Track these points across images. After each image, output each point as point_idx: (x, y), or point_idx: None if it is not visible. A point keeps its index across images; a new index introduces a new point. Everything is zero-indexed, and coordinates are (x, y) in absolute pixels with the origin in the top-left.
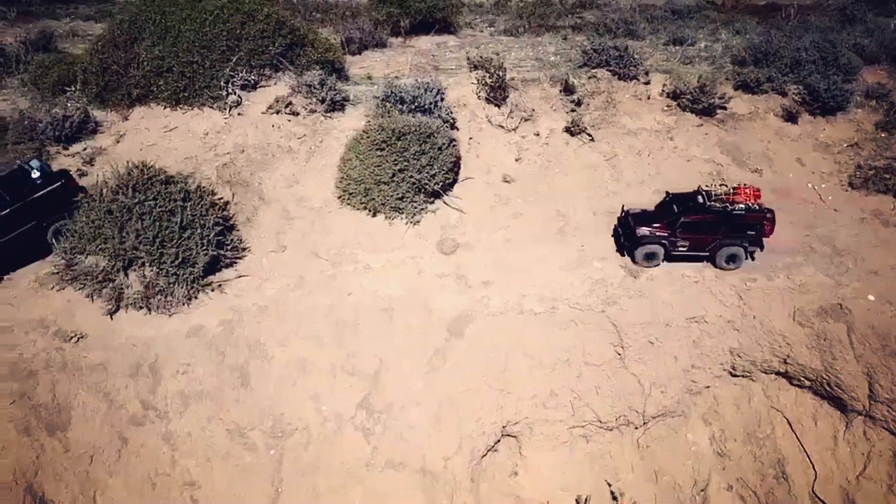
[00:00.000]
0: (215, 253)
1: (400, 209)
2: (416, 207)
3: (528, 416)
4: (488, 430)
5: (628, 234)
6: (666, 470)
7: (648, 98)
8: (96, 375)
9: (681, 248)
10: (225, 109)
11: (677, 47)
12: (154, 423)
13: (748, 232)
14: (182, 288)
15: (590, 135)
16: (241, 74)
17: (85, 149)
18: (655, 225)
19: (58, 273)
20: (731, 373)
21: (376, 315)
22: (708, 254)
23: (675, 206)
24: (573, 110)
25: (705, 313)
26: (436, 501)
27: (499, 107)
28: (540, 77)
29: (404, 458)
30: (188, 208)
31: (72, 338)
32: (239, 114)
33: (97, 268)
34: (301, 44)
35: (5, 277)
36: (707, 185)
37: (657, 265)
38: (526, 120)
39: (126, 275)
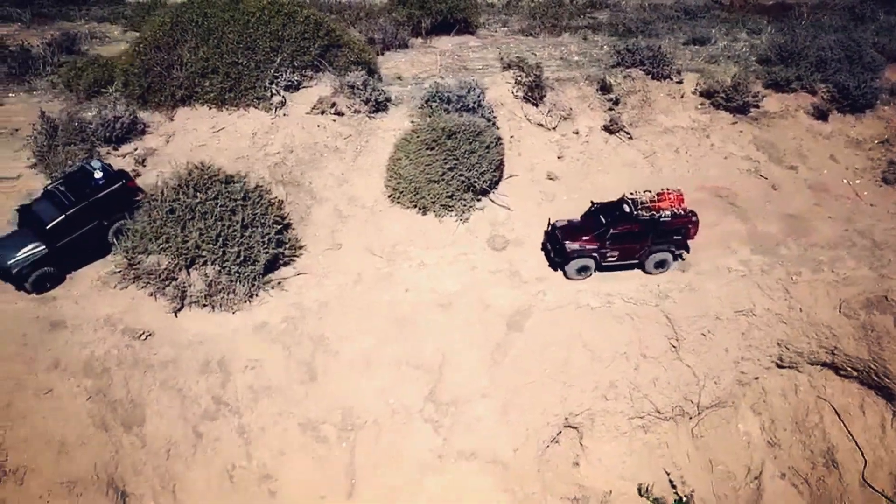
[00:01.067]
0: (276, 251)
1: (450, 207)
2: (465, 205)
3: (589, 407)
4: (552, 422)
5: (558, 250)
6: (720, 459)
7: (682, 97)
8: (167, 372)
9: (611, 259)
10: (271, 110)
11: (698, 46)
12: (227, 417)
13: (675, 237)
14: (244, 286)
15: (628, 133)
16: (284, 75)
17: (135, 149)
18: (584, 238)
19: (120, 272)
20: (778, 364)
21: (434, 310)
22: (637, 261)
23: (601, 217)
24: (611, 109)
25: (753, 306)
26: (508, 491)
27: (536, 105)
28: (575, 76)
29: (475, 449)
30: (248, 207)
31: (140, 335)
32: (284, 114)
33: (159, 266)
34: (337, 45)
35: (68, 276)
36: (632, 193)
37: (589, 276)
38: (564, 118)
39: (188, 273)
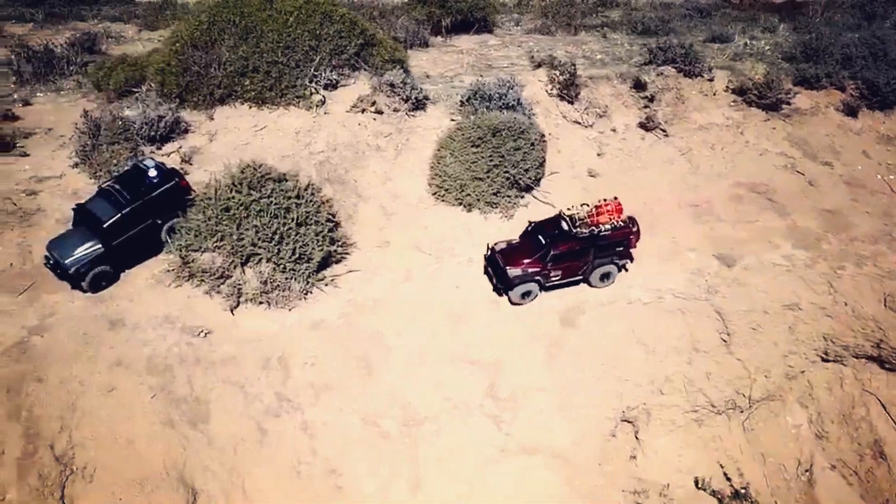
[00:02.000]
0: (329, 249)
1: (494, 204)
2: (509, 202)
3: (645, 401)
4: (610, 416)
5: (500, 276)
6: (771, 452)
7: (714, 94)
8: (229, 369)
9: (554, 279)
10: (311, 108)
11: (719, 44)
12: (289, 413)
13: (617, 249)
14: (299, 283)
15: (664, 130)
16: (324, 74)
17: (179, 148)
18: (525, 261)
19: (174, 270)
20: (823, 358)
21: (486, 306)
22: (582, 277)
23: (540, 237)
24: (646, 106)
25: (799, 300)
26: (571, 484)
27: (572, 103)
28: (608, 74)
29: (537, 444)
30: (302, 205)
31: (200, 333)
32: (325, 113)
33: (214, 264)
34: (371, 43)
35: (122, 275)
36: (568, 208)
37: (534, 299)
38: (601, 116)
39: (243, 271)
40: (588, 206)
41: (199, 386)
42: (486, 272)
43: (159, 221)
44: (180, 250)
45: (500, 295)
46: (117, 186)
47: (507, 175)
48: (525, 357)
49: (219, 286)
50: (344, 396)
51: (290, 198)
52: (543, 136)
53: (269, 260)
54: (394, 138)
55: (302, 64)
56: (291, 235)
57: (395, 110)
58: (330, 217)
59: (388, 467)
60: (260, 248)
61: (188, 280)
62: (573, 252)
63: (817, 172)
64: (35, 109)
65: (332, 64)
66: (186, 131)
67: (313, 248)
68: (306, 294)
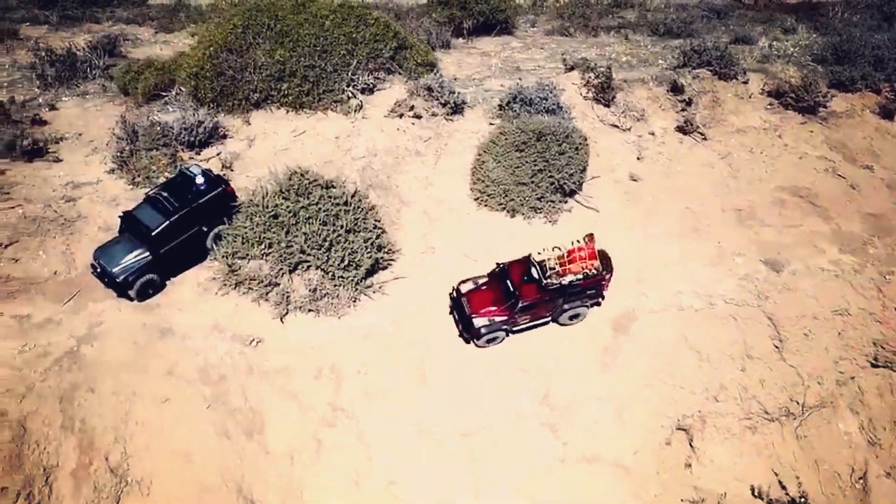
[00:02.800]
0: (377, 255)
1: (538, 209)
2: (553, 207)
3: (700, 409)
4: (665, 424)
5: (465, 323)
6: (825, 458)
7: (750, 97)
8: (282, 379)
9: (522, 324)
10: (349, 113)
11: (743, 46)
12: (345, 423)
13: (587, 293)
14: (347, 290)
15: (702, 133)
16: (361, 78)
17: (218, 153)
18: (493, 309)
19: (221, 278)
20: (872, 363)
21: None
22: (550, 319)
23: (508, 283)
24: (683, 110)
25: (848, 306)
26: (634, 494)
27: (608, 106)
28: (644, 77)
29: (596, 453)
30: (350, 212)
31: (251, 342)
32: (363, 117)
33: (261, 272)
34: (404, 46)
35: (168, 283)
36: (539, 253)
37: (499, 343)
38: (638, 119)
39: (290, 279)
40: (560, 250)
41: (253, 396)
42: (451, 313)
43: (205, 228)
44: (227, 258)
45: (466, 342)
46: (164, 193)
47: (551, 180)
48: (578, 365)
49: (267, 294)
50: (399, 405)
51: (338, 204)
52: (586, 140)
53: (317, 267)
54: (433, 143)
55: (339, 68)
56: (341, 242)
57: (434, 114)
58: (376, 223)
59: (446, 477)
60: (309, 255)
61: (235, 288)
62: (542, 301)
63: (858, 176)
64: (62, 114)
65: (368, 68)
66: (224, 136)
67: (362, 255)
68: (355, 301)
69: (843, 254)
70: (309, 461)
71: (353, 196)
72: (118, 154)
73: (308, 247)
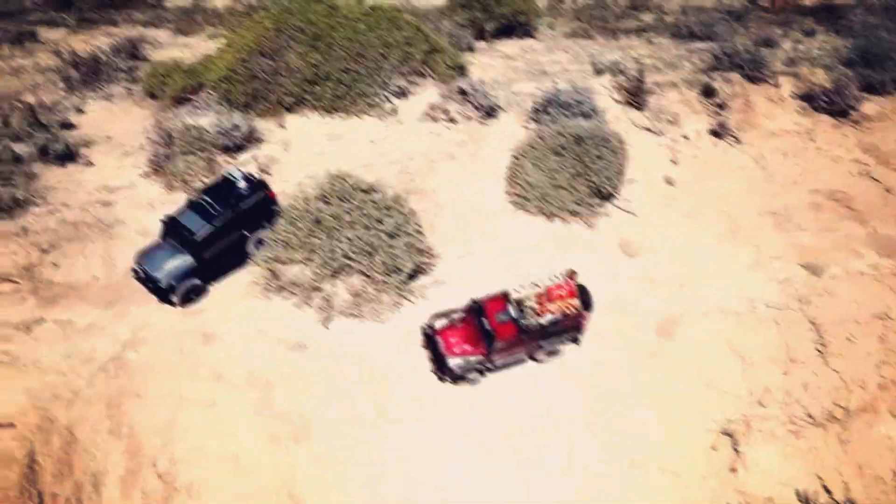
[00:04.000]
0: (419, 260)
1: (577, 213)
2: (591, 211)
3: (745, 413)
4: (711, 428)
5: (439, 362)
6: (868, 463)
7: (781, 100)
8: (327, 383)
9: (498, 364)
10: (384, 117)
11: (766, 49)
12: (392, 428)
13: (566, 333)
14: (389, 295)
15: (735, 137)
16: (394, 81)
17: (255, 157)
18: (467, 348)
19: (264, 283)
20: None
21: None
22: (527, 357)
23: (484, 321)
24: (717, 113)
25: (888, 310)
26: (682, 498)
27: (640, 110)
28: (675, 80)
29: (644, 458)
30: (392, 216)
31: (296, 347)
32: (398, 121)
33: (303, 277)
34: (435, 50)
35: (210, 288)
36: (517, 290)
37: (473, 383)
38: (671, 123)
39: (333, 284)
40: (539, 286)
41: (300, 401)
42: (423, 345)
43: (247, 233)
44: (269, 262)
45: (439, 380)
46: (208, 198)
47: (589, 184)
48: (624, 369)
49: (309, 299)
50: (448, 410)
51: (380, 209)
52: (623, 144)
53: (360, 272)
54: (468, 146)
55: (372, 71)
56: (383, 247)
57: (468, 118)
58: (417, 228)
59: (494, 483)
60: (352, 260)
61: (278, 293)
62: (520, 341)
63: (893, 179)
64: (89, 117)
65: (402, 71)
66: (260, 140)
67: (404, 260)
68: (397, 306)
69: (882, 258)
70: (358, 467)
71: (394, 200)
72: (153, 158)
73: (351, 252)
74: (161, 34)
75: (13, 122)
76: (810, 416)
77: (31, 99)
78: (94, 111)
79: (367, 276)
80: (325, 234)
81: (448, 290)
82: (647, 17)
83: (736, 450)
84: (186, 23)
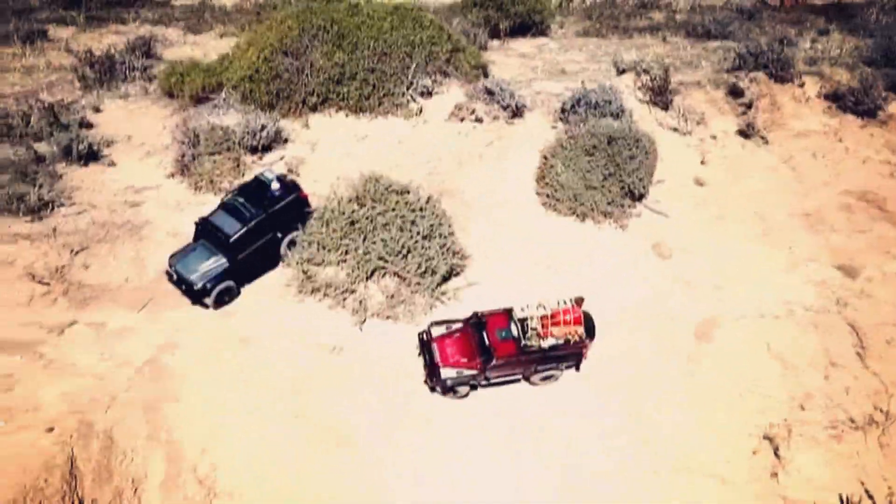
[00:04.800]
0: (452, 261)
1: (608, 214)
2: (623, 212)
3: (786, 417)
4: (752, 432)
5: (432, 370)
6: None
7: (807, 100)
8: (366, 386)
9: (492, 380)
10: (410, 117)
11: (784, 48)
12: (432, 432)
13: (566, 358)
14: (423, 297)
15: (763, 137)
16: (420, 81)
17: (281, 158)
18: (462, 361)
19: (297, 285)
20: None
21: (612, 320)
22: (522, 377)
23: (484, 335)
24: (744, 113)
25: None
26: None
27: (666, 110)
28: (700, 80)
29: (688, 463)
30: (426, 217)
31: (333, 349)
32: (424, 121)
33: (337, 279)
34: (457, 49)
35: (242, 290)
36: (522, 309)
37: (462, 397)
38: (698, 123)
39: (366, 285)
40: (545, 308)
41: (340, 404)
42: (419, 353)
43: (280, 235)
44: (302, 264)
45: (430, 390)
46: (241, 199)
47: (621, 184)
48: (663, 373)
49: (343, 301)
50: (480, 411)
51: (414, 210)
52: (654, 144)
53: (394, 274)
54: (495, 146)
55: (398, 71)
56: (418, 249)
57: (495, 118)
58: (450, 229)
59: (532, 488)
60: (387, 261)
61: (311, 294)
62: (518, 361)
63: None
64: (107, 116)
65: (427, 70)
66: (286, 140)
67: (438, 262)
68: (431, 308)
69: None
70: (399, 471)
71: (427, 202)
72: (179, 158)
73: (386, 253)
74: (170, 32)
75: (33, 121)
76: (852, 420)
77: (47, 98)
78: (112, 110)
79: (402, 278)
80: (359, 236)
81: (481, 291)
82: (658, 16)
83: (777, 455)
84: (195, 21)
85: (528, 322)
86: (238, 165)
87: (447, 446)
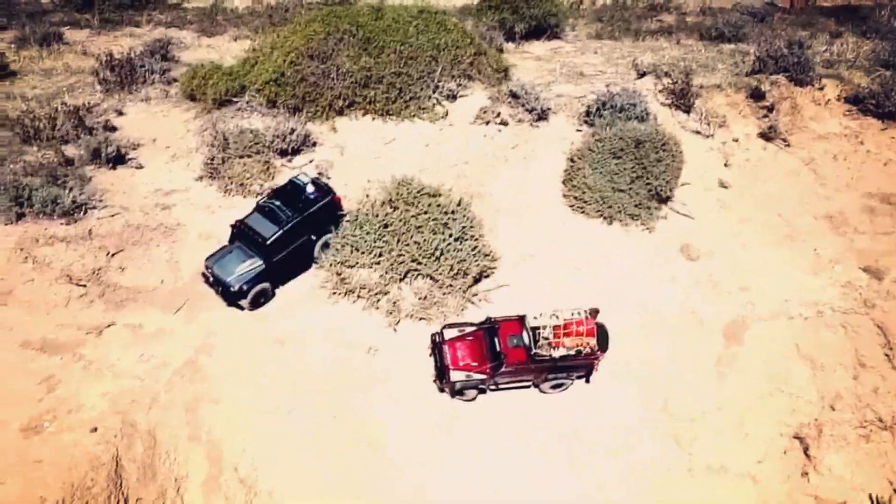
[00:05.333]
0: (483, 263)
1: (636, 216)
2: (650, 214)
3: (816, 417)
4: (783, 432)
5: (442, 371)
6: None
7: (828, 102)
8: (401, 387)
9: (501, 385)
10: (436, 120)
11: (800, 51)
12: (465, 433)
13: (576, 369)
14: (455, 298)
15: (785, 140)
16: (445, 85)
17: (311, 161)
18: (473, 365)
19: (331, 286)
20: None
21: (646, 324)
22: (531, 385)
23: (496, 341)
24: (765, 116)
25: None
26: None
27: (688, 113)
28: (720, 83)
29: (721, 463)
30: (458, 220)
31: (368, 350)
32: (450, 125)
33: (371, 281)
34: (480, 52)
35: (276, 292)
36: (535, 317)
37: (470, 400)
38: (720, 126)
39: (400, 287)
40: (557, 318)
41: (376, 405)
42: (430, 354)
43: (314, 237)
44: (336, 266)
45: (439, 391)
46: (276, 202)
47: (648, 187)
48: (694, 375)
49: (377, 302)
50: (513, 411)
51: (446, 213)
52: (680, 146)
53: (427, 276)
54: (521, 149)
55: (424, 75)
56: (450, 251)
57: (520, 121)
58: (480, 232)
59: (565, 490)
60: (420, 263)
61: (345, 296)
62: (527, 369)
63: None
64: (129, 119)
65: (452, 74)
66: (315, 144)
67: (470, 264)
68: (462, 310)
69: None
70: (433, 471)
71: (458, 204)
72: (208, 161)
73: (419, 255)
74: (184, 35)
75: (59, 124)
76: (880, 420)
77: (67, 101)
78: (134, 113)
79: (434, 280)
80: (393, 238)
81: (511, 293)
82: (668, 18)
83: (808, 454)
84: (208, 24)
85: (541, 331)
86: (268, 168)
87: (481, 448)
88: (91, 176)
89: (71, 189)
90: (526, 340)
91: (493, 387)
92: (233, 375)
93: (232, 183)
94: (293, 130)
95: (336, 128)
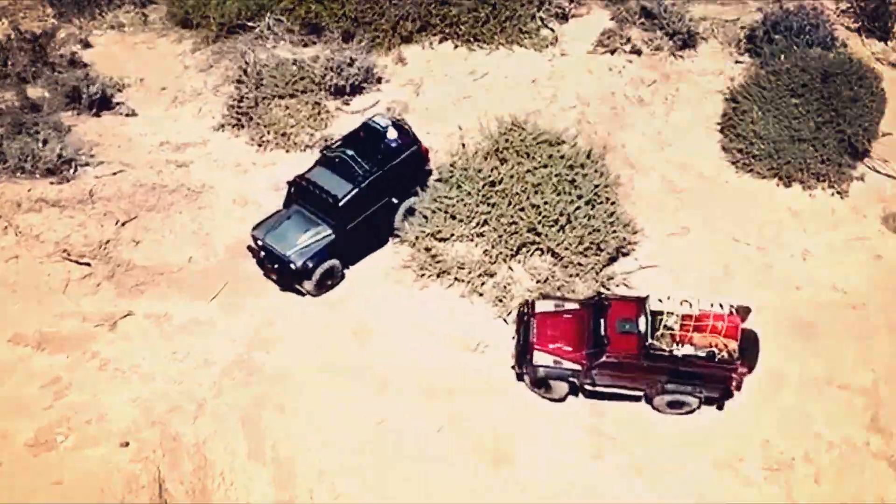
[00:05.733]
0: (623, 235)
1: (821, 176)
2: (841, 173)
3: None
4: None
5: (523, 350)
6: None
7: None
8: (521, 394)
9: (600, 385)
10: (543, 48)
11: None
12: (614, 453)
13: (705, 381)
14: (585, 282)
15: None
16: (553, 1)
17: (376, 102)
18: (565, 349)
19: (419, 265)
20: None
21: (844, 314)
22: (642, 394)
23: (602, 322)
24: None
25: None
26: None
27: (885, 41)
28: None
29: None
30: (589, 176)
31: (475, 348)
32: (562, 54)
33: (471, 258)
34: None
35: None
36: (660, 300)
37: (560, 400)
38: None
39: (510, 266)
40: (690, 307)
41: (494, 416)
42: (516, 331)
43: (395, 200)
44: (424, 239)
45: (518, 378)
46: (349, 152)
47: (840, 136)
48: None
49: (480, 286)
50: (684, 428)
51: (572, 167)
52: (881, 83)
53: (547, 251)
54: (660, 87)
55: None
56: (579, 218)
57: (657, 49)
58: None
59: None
60: (540, 234)
61: (437, 278)
62: (636, 365)
63: None
64: (99, 53)
65: None
66: (379, 80)
67: (606, 235)
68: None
69: None
70: (565, 494)
71: (588, 156)
72: (236, 103)
73: (538, 223)
74: None
75: (12, 57)
76: None
77: (6, 28)
78: (104, 45)
79: (557, 256)
80: (503, 200)
81: (662, 275)
82: None
83: None
84: None
85: (664, 318)
86: (319, 112)
87: (637, 471)
88: (70, 125)
89: (46, 141)
90: (642, 327)
91: (588, 384)
92: (299, 378)
93: (269, 132)
94: (352, 61)
95: (404, 59)
